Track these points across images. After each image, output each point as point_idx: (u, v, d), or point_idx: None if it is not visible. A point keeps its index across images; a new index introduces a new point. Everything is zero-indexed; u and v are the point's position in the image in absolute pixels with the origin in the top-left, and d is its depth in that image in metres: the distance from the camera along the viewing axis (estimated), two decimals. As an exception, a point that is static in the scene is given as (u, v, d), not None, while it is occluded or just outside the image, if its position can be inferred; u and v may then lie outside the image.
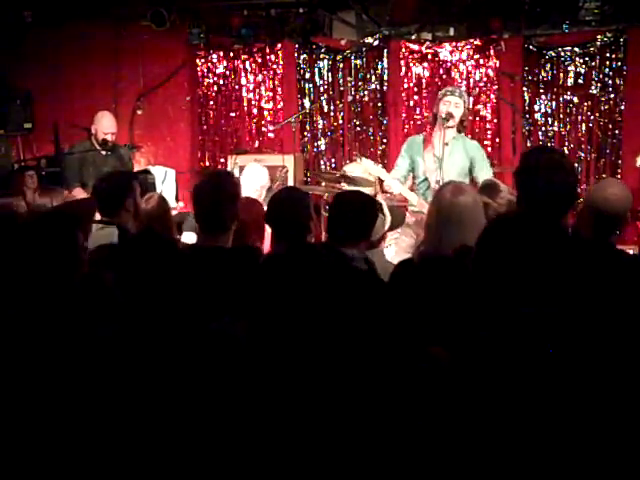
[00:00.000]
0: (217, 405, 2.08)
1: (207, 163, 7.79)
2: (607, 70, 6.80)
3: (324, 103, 7.45)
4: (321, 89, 7.44)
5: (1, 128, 7.37)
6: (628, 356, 2.20)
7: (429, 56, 7.12)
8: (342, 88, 7.39)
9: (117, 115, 6.45)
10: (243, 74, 7.58)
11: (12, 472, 2.11)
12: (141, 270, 2.40)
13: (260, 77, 7.55)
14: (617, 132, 6.84)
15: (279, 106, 7.52)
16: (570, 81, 6.92)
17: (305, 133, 7.50)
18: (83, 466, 2.09)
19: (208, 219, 3.16)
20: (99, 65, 7.54)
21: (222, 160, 7.58)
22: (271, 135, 7.55)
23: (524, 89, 6.99)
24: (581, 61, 6.86)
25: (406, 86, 7.19)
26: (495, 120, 7.06)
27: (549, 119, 7.02)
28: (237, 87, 7.62)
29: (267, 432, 1.97)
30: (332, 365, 2.04)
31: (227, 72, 7.62)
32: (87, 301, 2.48)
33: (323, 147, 7.51)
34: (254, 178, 5.44)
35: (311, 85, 7.45)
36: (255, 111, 7.61)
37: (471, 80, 7.04)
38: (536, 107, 7.02)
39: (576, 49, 6.82)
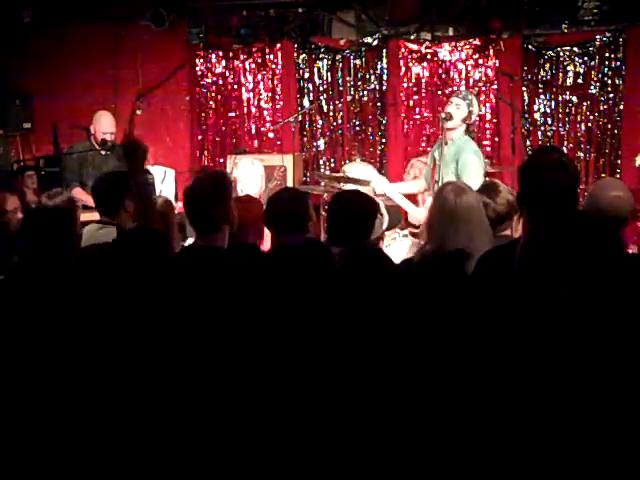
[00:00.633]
0: (216, 405, 2.09)
1: (206, 163, 7.79)
2: (606, 70, 6.81)
3: (323, 103, 7.45)
4: (320, 89, 7.44)
5: (0, 128, 7.37)
6: (628, 356, 2.21)
7: (428, 56, 7.12)
8: (341, 88, 7.39)
9: (116, 115, 6.45)
10: (242, 74, 7.58)
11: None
12: (135, 269, 2.42)
13: (259, 77, 7.55)
14: (616, 132, 6.84)
15: (278, 106, 7.52)
16: (569, 81, 6.93)
17: (304, 133, 7.50)
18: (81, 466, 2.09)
19: (199, 220, 3.16)
20: (99, 65, 7.53)
21: (221, 160, 7.57)
22: (270, 135, 7.55)
23: (523, 89, 7.00)
24: (580, 61, 6.86)
25: (405, 86, 7.19)
26: (494, 120, 7.07)
27: (548, 119, 7.03)
28: (236, 87, 7.62)
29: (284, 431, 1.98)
30: (335, 364, 2.05)
31: (226, 72, 7.62)
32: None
33: (322, 147, 7.51)
34: (250, 173, 5.43)
35: (310, 85, 7.45)
36: (254, 111, 7.61)
37: (470, 80, 7.04)
38: (535, 107, 7.02)
39: (575, 49, 6.83)
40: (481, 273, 2.51)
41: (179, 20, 7.34)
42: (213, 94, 7.70)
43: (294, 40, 7.33)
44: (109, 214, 3.83)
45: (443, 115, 4.98)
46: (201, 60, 7.61)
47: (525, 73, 6.96)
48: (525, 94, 7.01)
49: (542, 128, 7.04)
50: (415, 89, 7.22)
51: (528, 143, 6.98)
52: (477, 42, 6.98)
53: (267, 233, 3.58)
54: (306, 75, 7.43)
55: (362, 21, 7.14)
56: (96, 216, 3.96)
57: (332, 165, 7.47)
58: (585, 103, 6.91)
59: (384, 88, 7.28)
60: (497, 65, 6.96)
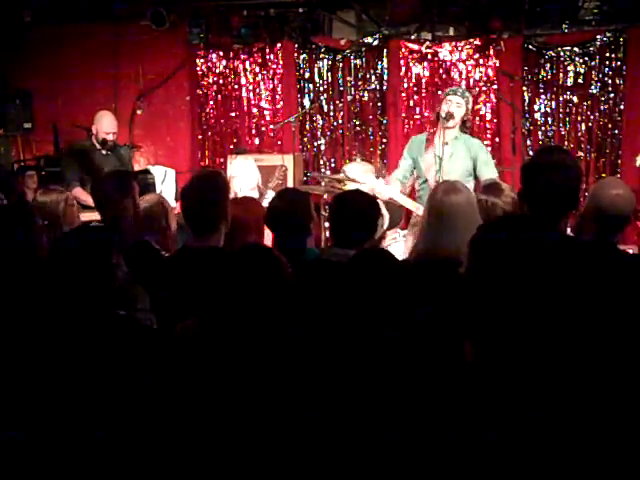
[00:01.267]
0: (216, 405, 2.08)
1: (207, 163, 7.79)
2: (607, 70, 6.80)
3: (324, 103, 7.45)
4: (321, 89, 7.44)
5: (1, 128, 7.38)
6: (628, 355, 2.20)
7: (429, 56, 7.12)
8: (341, 88, 7.39)
9: (117, 115, 6.44)
10: (243, 74, 7.58)
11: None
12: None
13: (260, 77, 7.55)
14: (617, 132, 6.84)
15: (279, 106, 7.52)
16: (570, 81, 6.92)
17: (305, 133, 7.50)
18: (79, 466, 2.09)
19: (195, 220, 3.16)
20: (99, 65, 7.54)
21: (222, 160, 7.58)
22: (271, 135, 7.55)
23: (524, 89, 6.99)
24: (581, 61, 6.86)
25: (406, 86, 7.19)
26: (495, 120, 7.07)
27: (549, 119, 7.03)
28: (237, 87, 7.62)
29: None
30: (340, 365, 2.05)
31: (227, 72, 7.62)
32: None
33: (323, 147, 7.51)
34: (243, 168, 5.42)
35: (311, 85, 7.45)
36: (255, 111, 7.61)
37: (471, 80, 7.04)
38: (536, 107, 7.02)
39: (576, 49, 6.82)
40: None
41: (179, 20, 7.34)
42: (213, 94, 7.70)
43: (294, 40, 7.33)
44: (108, 213, 3.83)
45: (443, 115, 4.97)
46: (201, 60, 7.61)
47: (525, 73, 6.96)
48: (525, 94, 7.01)
49: (542, 128, 7.04)
50: (415, 89, 7.22)
51: (528, 143, 6.98)
52: (477, 42, 6.98)
53: (268, 233, 3.58)
54: (306, 75, 7.43)
55: (362, 21, 7.14)
56: (96, 216, 3.96)
57: (332, 165, 7.47)
58: (586, 103, 6.91)
59: (384, 88, 7.28)
60: (497, 65, 6.96)
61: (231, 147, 7.61)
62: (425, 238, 2.97)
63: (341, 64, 7.35)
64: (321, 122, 7.48)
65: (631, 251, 4.48)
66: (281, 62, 7.44)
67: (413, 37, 7.12)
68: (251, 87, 7.59)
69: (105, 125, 5.98)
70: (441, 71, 7.13)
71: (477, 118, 7.00)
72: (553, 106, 6.99)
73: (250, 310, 2.14)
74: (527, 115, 6.99)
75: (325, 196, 5.79)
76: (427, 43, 7.08)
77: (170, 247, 3.82)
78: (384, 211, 3.77)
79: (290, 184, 6.50)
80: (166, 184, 6.92)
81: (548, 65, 6.96)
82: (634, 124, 6.68)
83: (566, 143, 6.94)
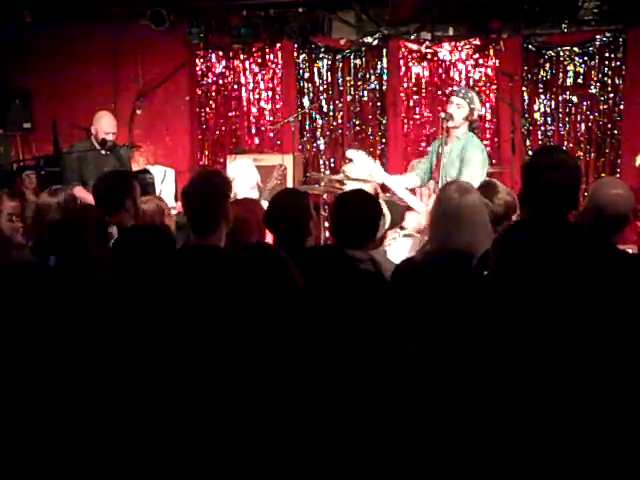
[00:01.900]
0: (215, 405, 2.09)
1: (206, 162, 7.79)
2: (606, 70, 6.82)
3: (323, 103, 7.46)
4: (320, 89, 7.45)
5: (0, 128, 7.38)
6: (627, 355, 2.21)
7: (428, 56, 7.13)
8: (341, 88, 7.39)
9: (116, 115, 6.44)
10: (242, 74, 7.58)
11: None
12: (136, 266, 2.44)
13: (259, 77, 7.55)
14: (616, 132, 6.85)
15: (278, 106, 7.52)
16: (569, 81, 6.93)
17: (304, 133, 7.50)
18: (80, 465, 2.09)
19: (196, 219, 3.17)
20: (99, 65, 7.54)
21: (221, 160, 7.57)
22: (270, 135, 7.55)
23: (523, 89, 7.00)
24: (580, 61, 6.87)
25: (405, 86, 7.20)
26: (494, 120, 7.07)
27: (548, 119, 7.03)
28: (236, 87, 7.62)
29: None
30: (338, 365, 2.05)
31: (226, 72, 7.62)
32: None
33: (322, 147, 7.52)
34: (241, 169, 5.43)
35: (310, 85, 7.45)
36: (254, 111, 7.61)
37: (470, 80, 7.04)
38: (535, 107, 7.03)
39: (575, 49, 6.83)
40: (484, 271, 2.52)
41: (179, 20, 7.34)
42: (213, 94, 7.70)
43: (294, 40, 7.33)
44: (109, 213, 3.84)
45: (443, 115, 4.97)
46: (201, 60, 7.61)
47: (525, 73, 6.97)
48: (525, 94, 7.02)
49: (542, 128, 7.04)
50: (415, 89, 7.22)
51: (528, 143, 6.99)
52: (477, 42, 6.99)
53: (268, 233, 3.58)
54: (306, 75, 7.44)
55: (362, 21, 7.15)
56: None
57: (332, 165, 7.47)
58: (585, 103, 6.92)
59: (384, 88, 7.28)
60: (497, 65, 6.97)
61: (230, 147, 7.61)
62: (437, 237, 2.95)
63: (341, 64, 7.36)
64: (321, 122, 7.48)
65: (630, 251, 4.49)
66: (281, 62, 7.44)
67: (413, 37, 7.13)
68: (250, 87, 7.59)
69: (104, 125, 5.97)
70: (441, 71, 7.13)
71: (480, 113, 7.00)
72: (553, 106, 7.00)
73: (259, 310, 2.13)
74: (526, 115, 7.00)
75: (325, 196, 5.80)
76: (427, 43, 7.09)
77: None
78: (386, 211, 3.77)
79: (290, 184, 6.50)
80: (165, 184, 6.91)
81: (548, 65, 6.96)
82: (633, 124, 6.69)
83: (565, 143, 6.94)
